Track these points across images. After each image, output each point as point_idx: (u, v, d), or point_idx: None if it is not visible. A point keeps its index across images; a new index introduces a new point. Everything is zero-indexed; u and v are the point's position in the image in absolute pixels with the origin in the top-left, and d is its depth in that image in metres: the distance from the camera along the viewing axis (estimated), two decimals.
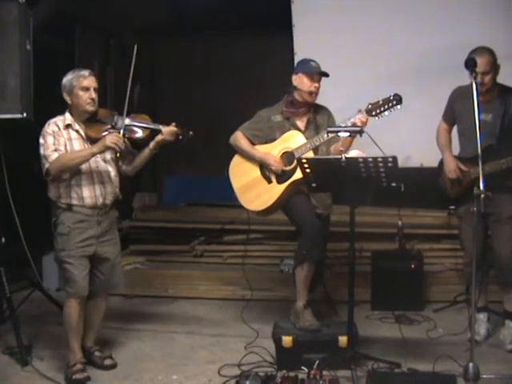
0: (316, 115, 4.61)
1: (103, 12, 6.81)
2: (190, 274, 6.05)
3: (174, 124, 4.10)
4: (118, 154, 3.98)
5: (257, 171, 4.61)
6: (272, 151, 4.57)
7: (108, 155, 4.08)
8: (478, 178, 3.60)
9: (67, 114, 4.04)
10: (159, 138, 4.08)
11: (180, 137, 4.09)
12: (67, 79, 4.01)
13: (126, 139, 4.00)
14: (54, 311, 4.77)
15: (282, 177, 4.50)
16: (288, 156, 4.50)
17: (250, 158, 4.63)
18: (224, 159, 4.82)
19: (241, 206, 4.71)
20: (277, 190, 4.50)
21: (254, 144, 4.66)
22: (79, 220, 3.96)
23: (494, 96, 4.28)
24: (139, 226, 6.89)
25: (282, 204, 4.55)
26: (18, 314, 4.41)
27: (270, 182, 4.55)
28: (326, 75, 4.50)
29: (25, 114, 4.42)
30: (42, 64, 4.69)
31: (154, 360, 4.31)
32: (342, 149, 4.16)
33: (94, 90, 4.01)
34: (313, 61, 4.55)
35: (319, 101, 4.66)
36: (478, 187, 3.53)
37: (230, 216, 6.44)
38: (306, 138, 4.45)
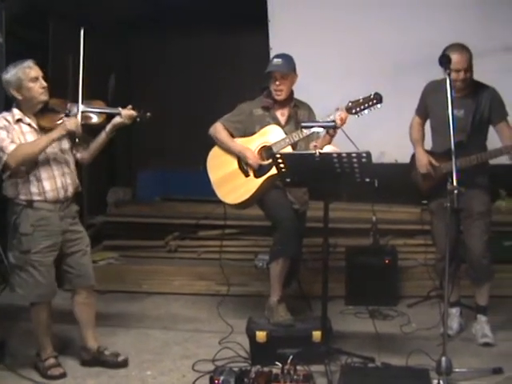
0: (297, 110, 4.61)
1: (78, 4, 6.75)
2: (164, 270, 6.02)
3: (130, 106, 4.06)
4: (77, 140, 3.90)
5: (234, 164, 4.59)
6: (250, 144, 4.56)
7: (65, 145, 4.00)
8: (450, 173, 3.64)
9: (15, 110, 3.89)
10: (117, 120, 4.01)
11: (137, 119, 4.05)
12: (12, 74, 3.84)
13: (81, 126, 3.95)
14: (27, 307, 4.72)
15: (259, 171, 4.49)
16: (266, 150, 4.48)
17: (228, 150, 4.61)
18: (200, 154, 4.80)
19: (216, 201, 4.70)
20: (254, 184, 4.49)
21: (233, 136, 4.65)
22: (42, 217, 3.86)
23: (467, 92, 4.31)
24: (113, 222, 6.85)
25: (258, 198, 4.54)
26: None
27: (247, 175, 4.53)
28: (281, 71, 4.48)
29: None
30: (16, 56, 4.62)
31: (127, 356, 4.26)
32: (315, 144, 4.18)
33: (43, 78, 3.90)
34: (277, 57, 4.57)
35: (297, 95, 4.66)
36: (452, 183, 3.56)
37: (205, 211, 6.43)
38: (286, 133, 4.45)
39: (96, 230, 6.67)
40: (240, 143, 4.58)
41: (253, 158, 4.47)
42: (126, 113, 4.02)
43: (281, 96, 4.52)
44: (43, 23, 6.71)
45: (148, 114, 4.09)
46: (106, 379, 3.96)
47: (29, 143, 3.83)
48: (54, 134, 3.82)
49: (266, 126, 4.53)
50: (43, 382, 3.91)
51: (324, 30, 6.18)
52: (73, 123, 3.81)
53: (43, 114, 3.94)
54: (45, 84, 3.90)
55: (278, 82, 4.49)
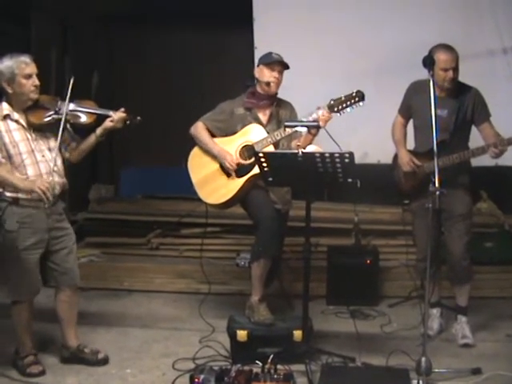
0: (279, 109, 4.59)
1: None
2: (145, 267, 6.00)
3: (122, 110, 4.03)
4: (46, 202, 3.72)
5: (216, 164, 4.57)
6: (232, 144, 4.53)
7: (52, 143, 3.94)
8: (432, 173, 3.65)
9: (4, 104, 3.85)
10: (108, 123, 3.97)
11: (127, 122, 4.02)
12: (6, 66, 3.77)
13: (68, 125, 3.93)
14: (6, 304, 4.68)
15: (241, 171, 4.47)
16: (248, 149, 4.46)
17: (208, 151, 4.60)
18: (182, 151, 4.78)
19: (198, 199, 4.67)
20: (236, 183, 4.47)
21: (214, 136, 4.62)
22: (27, 214, 3.82)
23: (451, 92, 4.33)
24: (95, 218, 6.81)
25: (240, 198, 4.52)
26: None
27: (229, 175, 4.51)
28: (286, 66, 4.49)
29: None
30: None
31: (107, 354, 4.23)
32: (298, 143, 4.18)
33: (37, 76, 3.85)
34: (276, 53, 4.54)
35: (280, 95, 4.65)
36: (434, 184, 3.58)
37: (187, 209, 6.41)
38: (268, 132, 4.43)
39: (78, 226, 6.63)
40: (221, 143, 4.56)
41: (231, 163, 4.45)
42: (118, 116, 3.98)
43: (275, 89, 4.51)
44: (25, 17, 6.66)
45: (138, 118, 4.06)
46: (85, 377, 3.94)
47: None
48: (21, 184, 3.74)
49: (248, 125, 4.52)
50: (22, 380, 3.88)
51: (309, 29, 6.19)
52: (43, 185, 3.67)
53: (33, 110, 3.89)
54: (37, 82, 3.85)
55: (276, 74, 4.47)
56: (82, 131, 4.09)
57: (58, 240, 3.99)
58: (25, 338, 3.99)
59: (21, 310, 3.95)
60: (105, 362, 4.12)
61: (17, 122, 3.85)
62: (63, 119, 3.84)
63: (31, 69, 3.83)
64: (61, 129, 3.82)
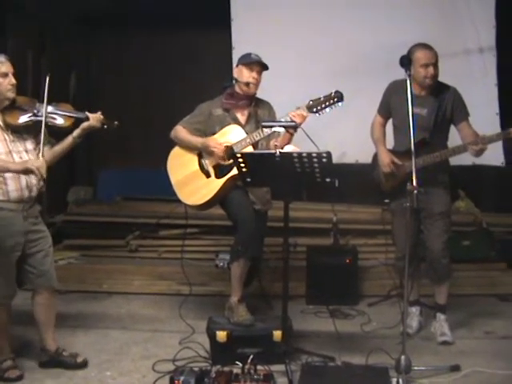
0: (257, 109, 4.60)
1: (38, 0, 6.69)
2: (124, 269, 5.99)
3: (99, 112, 4.01)
4: (40, 182, 3.77)
5: (195, 165, 4.56)
6: None
7: (30, 145, 3.92)
8: (412, 172, 3.67)
9: None
10: (85, 124, 3.95)
11: (105, 126, 4.00)
12: None
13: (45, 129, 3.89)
14: None
15: (220, 171, 4.46)
16: (227, 150, 4.46)
17: (191, 147, 4.57)
18: (161, 153, 4.76)
19: (177, 201, 4.66)
20: (215, 184, 4.46)
21: None
22: (4, 217, 3.78)
23: (431, 91, 4.36)
24: (73, 221, 6.79)
25: (220, 199, 4.52)
26: None
27: (208, 176, 4.50)
28: (266, 67, 4.50)
29: None
30: None
31: (87, 356, 4.20)
32: (276, 143, 4.18)
33: (13, 75, 3.82)
34: (255, 54, 4.55)
35: (259, 96, 4.65)
36: (411, 183, 3.60)
37: (166, 210, 6.40)
38: (247, 132, 4.43)
39: (56, 229, 6.59)
40: None
41: (217, 146, 4.42)
42: (94, 116, 3.96)
43: (254, 90, 4.51)
44: (1, 18, 6.61)
45: (116, 122, 4.06)
46: (64, 380, 3.91)
47: None
48: (13, 167, 3.73)
49: (227, 126, 4.51)
50: None
51: (287, 30, 6.21)
52: (38, 163, 3.69)
53: (10, 111, 3.86)
54: (14, 81, 3.82)
55: (255, 75, 4.47)
56: (58, 135, 4.06)
57: (34, 243, 3.96)
58: (2, 342, 3.95)
59: None
60: (84, 365, 4.09)
61: None
62: (43, 121, 3.81)
63: (7, 67, 3.80)
64: (42, 131, 3.79)
